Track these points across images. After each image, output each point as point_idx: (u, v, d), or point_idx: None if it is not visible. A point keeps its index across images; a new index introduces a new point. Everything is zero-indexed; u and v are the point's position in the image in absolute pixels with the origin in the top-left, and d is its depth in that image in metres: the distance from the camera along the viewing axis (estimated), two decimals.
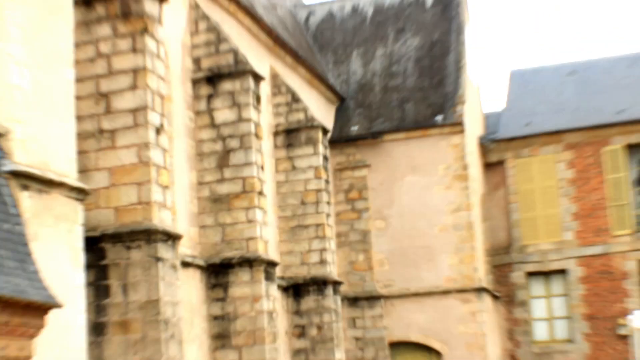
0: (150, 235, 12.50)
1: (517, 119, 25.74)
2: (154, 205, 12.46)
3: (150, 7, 13.10)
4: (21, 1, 9.31)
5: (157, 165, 12.67)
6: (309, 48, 25.56)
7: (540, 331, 24.12)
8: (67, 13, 10.82)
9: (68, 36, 10.86)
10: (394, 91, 23.81)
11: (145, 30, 13.02)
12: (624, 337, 21.14)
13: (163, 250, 12.53)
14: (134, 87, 12.84)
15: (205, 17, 17.75)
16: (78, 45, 11.97)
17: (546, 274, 24.06)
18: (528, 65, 31.61)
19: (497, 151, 24.92)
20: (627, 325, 19.66)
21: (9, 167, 8.84)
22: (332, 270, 20.52)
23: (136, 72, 12.90)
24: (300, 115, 20.78)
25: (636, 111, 23.37)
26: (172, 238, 13.20)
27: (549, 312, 24.12)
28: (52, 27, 10.43)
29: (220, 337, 16.66)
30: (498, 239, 24.71)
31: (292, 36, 23.64)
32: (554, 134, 24.12)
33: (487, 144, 24.89)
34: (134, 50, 12.94)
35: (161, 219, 12.78)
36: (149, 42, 13.11)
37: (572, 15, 79.91)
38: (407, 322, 22.43)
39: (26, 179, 9.25)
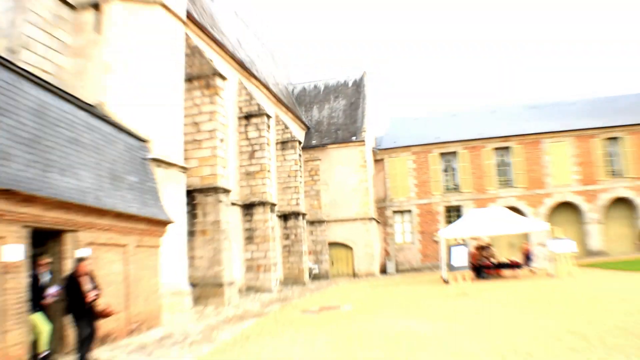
0: (217, 190, 19.49)
1: (390, 139, 40.64)
2: (218, 176, 19.59)
3: (220, 83, 20.32)
4: (161, 77, 15.64)
5: (220, 157, 19.84)
6: (294, 104, 38.10)
7: (398, 238, 39.20)
8: (181, 85, 17.40)
9: (181, 95, 17.32)
10: (333, 125, 37.80)
11: (216, 94, 20.11)
12: (436, 242, 32.81)
13: (223, 197, 19.59)
14: (210, 119, 19.92)
15: (245, 87, 26.53)
16: (185, 100, 18.25)
17: (402, 212, 39.44)
18: (399, 114, 48.02)
19: (380, 154, 39.77)
20: (437, 236, 29.98)
21: (151, 155, 14.70)
22: (302, 208, 31.05)
23: (212, 113, 19.92)
24: (289, 135, 31.61)
25: (444, 138, 39.31)
26: (227, 191, 20.07)
27: (402, 229, 39.28)
28: (174, 90, 16.68)
29: (248, 238, 25.33)
30: (380, 195, 39.42)
31: (286, 97, 35.61)
32: (406, 147, 39.52)
33: (376, 151, 39.59)
34: (211, 103, 20.08)
35: (222, 183, 19.68)
36: (218, 99, 20.05)
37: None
38: (336, 233, 35.46)
39: (159, 162, 15.20)
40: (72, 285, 8.70)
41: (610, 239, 37.95)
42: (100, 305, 8.98)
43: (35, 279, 9.20)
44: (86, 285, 8.74)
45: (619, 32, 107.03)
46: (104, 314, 9.11)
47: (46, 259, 9.84)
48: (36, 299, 9.08)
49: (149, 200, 13.70)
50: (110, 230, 11.65)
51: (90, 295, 8.71)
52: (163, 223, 14.10)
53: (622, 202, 37.87)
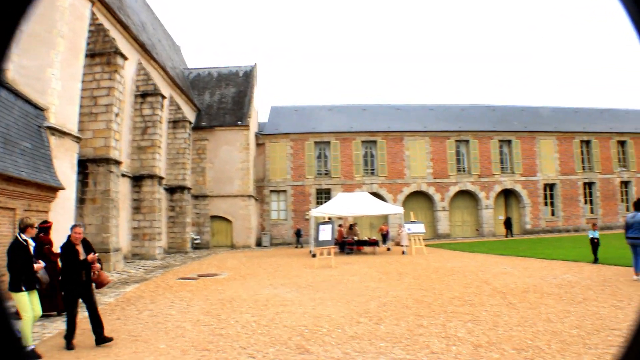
0: (108, 161, 19.35)
1: (272, 126, 41.91)
2: (111, 148, 19.44)
3: (120, 61, 20.19)
4: (62, 50, 14.69)
5: (114, 130, 19.72)
6: (188, 87, 38.26)
7: (274, 215, 40.45)
8: (81, 59, 16.56)
9: (80, 69, 16.65)
10: (222, 110, 38.24)
11: (116, 71, 19.95)
12: (307, 220, 35.27)
13: (114, 168, 19.55)
14: (108, 95, 19.63)
15: (144, 68, 26.47)
16: (85, 74, 17.89)
17: (278, 191, 40.64)
18: (279, 103, 49.53)
19: (262, 139, 40.86)
20: (308, 214, 33.00)
21: (47, 124, 14.24)
22: (188, 182, 31.62)
23: (110, 89, 19.76)
24: (180, 115, 31.77)
25: (320, 129, 41.07)
26: (118, 163, 20.16)
27: (278, 207, 40.61)
28: (74, 64, 15.94)
29: (136, 208, 25.31)
30: (260, 175, 40.39)
31: (181, 81, 36.01)
32: (286, 134, 40.96)
33: (259, 135, 40.71)
34: (110, 79, 19.84)
35: (114, 154, 19.74)
36: (117, 77, 20.02)
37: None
38: (218, 207, 36.03)
39: (53, 130, 14.74)
40: (69, 255, 7.39)
41: (455, 225, 42.37)
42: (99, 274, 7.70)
43: (20, 245, 7.22)
44: (82, 254, 7.55)
45: (482, 48, 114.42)
46: (102, 283, 7.79)
47: None
48: (24, 272, 7.12)
49: (41, 167, 13.33)
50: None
51: (96, 265, 7.56)
52: (53, 189, 13.84)
53: (466, 194, 42.14)
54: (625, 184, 47.84)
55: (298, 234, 35.67)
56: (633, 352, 1.00)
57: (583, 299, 9.96)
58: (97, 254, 7.68)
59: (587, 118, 48.53)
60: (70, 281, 7.34)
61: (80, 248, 7.55)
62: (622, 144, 48.30)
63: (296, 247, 34.73)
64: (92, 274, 7.50)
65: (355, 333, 7.65)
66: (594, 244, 17.24)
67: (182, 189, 30.90)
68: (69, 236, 7.54)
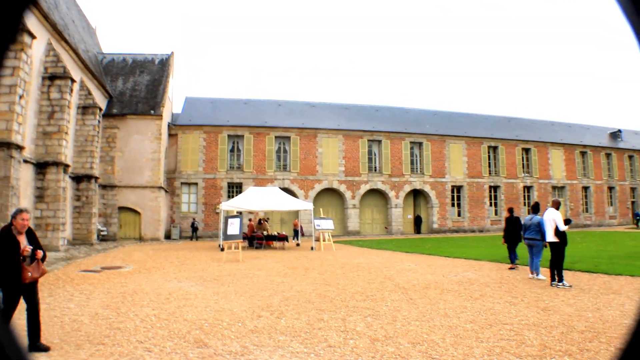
0: (9, 145, 19.19)
1: (186, 117, 42.96)
2: (13, 132, 19.45)
3: (27, 40, 20.23)
4: None
5: (18, 113, 19.73)
6: (101, 72, 37.96)
7: (184, 207, 41.38)
8: None
9: None
10: (135, 97, 38.24)
11: (22, 50, 19.81)
12: (217, 213, 36.98)
13: (15, 153, 19.44)
14: (12, 75, 19.40)
15: (54, 49, 25.95)
16: None
17: (189, 184, 41.62)
18: (197, 95, 51.18)
19: (175, 130, 41.70)
20: (219, 208, 34.00)
21: None
22: (96, 172, 31.39)
23: (15, 68, 19.67)
24: (91, 101, 31.40)
25: (234, 122, 42.44)
26: (20, 148, 20.00)
27: (188, 200, 41.57)
28: None
29: (39, 197, 24.90)
30: (171, 167, 41.24)
31: (94, 65, 35.77)
32: (200, 126, 42.10)
33: (172, 126, 41.38)
34: (15, 58, 19.64)
35: (16, 139, 19.66)
36: (23, 56, 19.98)
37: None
38: (127, 198, 36.20)
39: None
40: (9, 245, 6.56)
41: (365, 222, 45.45)
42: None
43: None
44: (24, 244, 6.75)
45: (401, 51, 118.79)
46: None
47: None
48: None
49: None
50: None
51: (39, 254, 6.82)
52: None
53: (377, 193, 45.35)
54: (527, 188, 52.96)
55: (194, 226, 37.27)
56: (632, 352, 1.08)
57: (480, 295, 10.80)
58: (41, 252, 6.87)
59: (495, 125, 53.38)
60: (8, 278, 6.48)
61: (23, 238, 6.78)
62: (526, 151, 53.49)
63: (191, 240, 36.55)
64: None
65: (255, 327, 7.92)
66: None
67: (89, 178, 30.97)
68: (10, 223, 6.76)
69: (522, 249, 16.36)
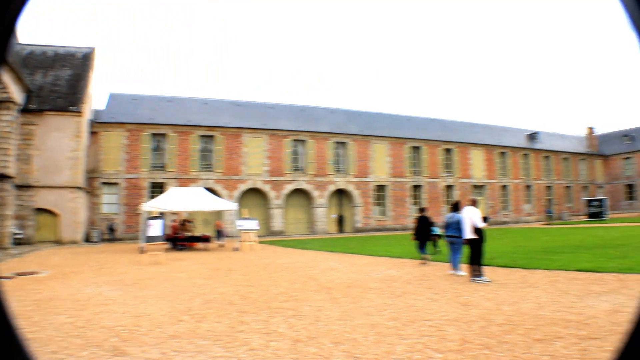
0: None
1: (108, 114, 42.55)
2: None
3: None
4: None
5: None
6: (19, 64, 36.64)
7: (105, 209, 40.72)
8: None
9: None
10: (55, 93, 37.51)
11: None
12: (139, 214, 32.85)
13: None
14: None
15: None
16: None
17: (110, 184, 41.16)
18: (120, 91, 48.53)
19: (97, 127, 41.24)
20: (140, 209, 29.95)
21: None
22: (11, 171, 30.29)
23: None
24: (6, 95, 30.80)
25: (158, 120, 42.54)
26: None
27: (110, 201, 40.93)
28: None
29: None
30: (92, 166, 40.50)
31: (11, 56, 32.98)
32: (122, 124, 41.95)
33: (93, 123, 41.03)
34: None
35: None
36: None
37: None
38: (45, 199, 35.43)
39: None
40: None
41: (289, 222, 46.59)
42: None
43: None
44: None
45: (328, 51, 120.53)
46: None
47: None
48: None
49: None
50: None
51: None
52: None
53: (301, 193, 46.58)
54: (449, 187, 55.53)
55: (111, 228, 37.27)
56: (630, 353, 1.10)
57: (402, 293, 11.00)
58: None
59: (418, 126, 55.90)
60: None
61: None
62: (448, 151, 56.20)
63: (110, 242, 36.53)
64: None
65: (175, 332, 7.85)
66: (435, 237, 21.81)
67: (2, 177, 30.00)
68: None
69: (441, 246, 17.52)
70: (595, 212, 56.13)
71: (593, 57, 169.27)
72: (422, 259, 17.57)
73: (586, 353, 5.78)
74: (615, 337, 6.43)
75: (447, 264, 15.20)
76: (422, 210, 18.78)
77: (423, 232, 17.73)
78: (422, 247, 17.69)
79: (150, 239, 22.46)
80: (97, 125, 41.42)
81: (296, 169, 46.79)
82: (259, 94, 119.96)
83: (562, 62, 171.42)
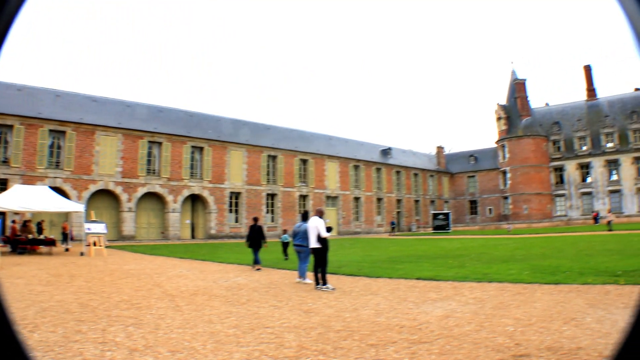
0: None
1: None
2: None
3: None
4: None
5: None
6: None
7: None
8: None
9: None
10: None
11: None
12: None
13: None
14: None
15: None
16: None
17: None
18: None
19: None
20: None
21: None
22: None
23: None
24: None
25: (1, 110, 39.68)
26: None
27: None
28: None
29: None
30: None
31: None
32: None
33: None
34: None
35: None
36: None
37: None
38: None
39: None
40: None
41: (141, 227, 46.84)
42: None
43: None
44: None
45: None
46: None
47: None
48: None
49: None
50: None
51: None
52: None
53: (154, 196, 47.04)
54: (303, 197, 58.60)
55: None
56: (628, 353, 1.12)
57: (247, 300, 11.14)
58: None
59: (277, 135, 58.49)
60: None
61: None
62: (304, 162, 59.28)
63: None
64: None
65: None
66: (284, 244, 23.78)
67: None
68: None
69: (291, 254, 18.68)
70: (441, 225, 62.21)
71: (450, 82, 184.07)
72: (256, 264, 19.23)
73: (415, 356, 6.27)
74: (443, 341, 7.03)
75: (295, 272, 15.76)
76: (255, 219, 20.50)
77: (255, 239, 19.36)
78: (255, 253, 19.28)
79: None
80: None
81: (150, 172, 46.86)
82: (115, 91, 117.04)
83: (420, 84, 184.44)
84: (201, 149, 50.33)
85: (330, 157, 62.85)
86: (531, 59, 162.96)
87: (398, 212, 73.02)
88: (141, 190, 45.82)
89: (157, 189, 46.75)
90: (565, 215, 73.22)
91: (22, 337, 1.30)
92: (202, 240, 46.58)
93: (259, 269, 18.85)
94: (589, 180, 73.15)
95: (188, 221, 49.65)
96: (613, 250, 22.33)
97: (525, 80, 78.80)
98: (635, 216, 65.18)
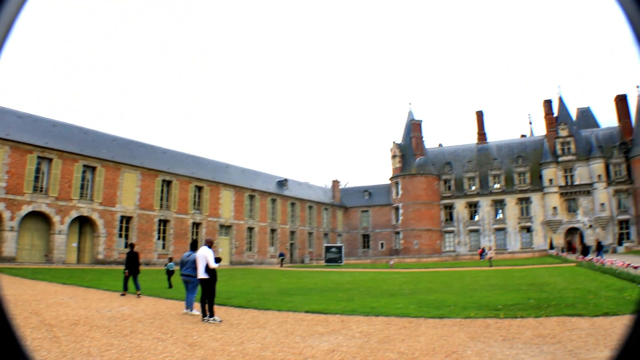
0: None
1: None
2: None
3: None
4: None
5: None
6: None
7: None
8: None
9: None
10: None
11: None
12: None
13: None
14: None
15: None
16: None
17: None
18: None
19: None
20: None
21: None
22: None
23: None
24: None
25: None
26: None
27: None
28: None
29: None
30: None
31: None
32: None
33: None
34: None
35: None
36: None
37: None
38: None
39: None
40: None
41: (23, 248, 44.43)
42: None
43: None
44: None
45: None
46: None
47: None
48: None
49: None
50: None
51: None
52: None
53: (39, 216, 44.94)
54: (197, 225, 58.74)
55: None
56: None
57: (130, 332, 11.02)
58: None
59: (173, 160, 58.61)
60: None
61: None
62: (199, 188, 59.67)
63: None
64: None
65: None
66: (169, 273, 24.70)
67: None
68: None
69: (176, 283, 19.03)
70: (334, 258, 64.26)
71: (349, 118, 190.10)
72: (124, 291, 20.07)
73: None
74: None
75: (182, 302, 15.84)
76: (131, 246, 21.51)
77: (132, 266, 20.11)
78: (129, 280, 20.16)
79: None
80: None
81: (37, 189, 44.84)
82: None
83: (320, 118, 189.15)
84: (94, 168, 49.12)
85: (226, 185, 63.53)
86: (429, 100, 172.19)
87: (291, 244, 74.48)
88: (26, 209, 43.58)
89: (44, 208, 44.71)
90: (453, 251, 78.17)
91: (21, 337, 1.37)
92: (89, 265, 45.13)
93: (139, 295, 19.52)
94: (476, 218, 79.21)
95: (75, 244, 47.82)
96: (495, 285, 23.81)
97: (421, 121, 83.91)
98: (518, 252, 70.75)
